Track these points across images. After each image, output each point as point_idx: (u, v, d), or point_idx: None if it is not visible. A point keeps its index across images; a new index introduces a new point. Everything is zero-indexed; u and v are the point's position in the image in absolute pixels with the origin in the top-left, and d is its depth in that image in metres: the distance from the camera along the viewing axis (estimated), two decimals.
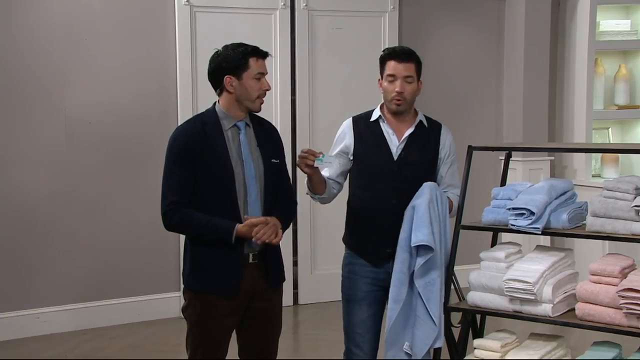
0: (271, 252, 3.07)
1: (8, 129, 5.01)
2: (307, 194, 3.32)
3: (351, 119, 3.33)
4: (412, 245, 3.06)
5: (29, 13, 5.02)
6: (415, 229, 3.06)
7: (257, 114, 3.10)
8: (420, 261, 3.08)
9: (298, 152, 5.47)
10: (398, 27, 5.92)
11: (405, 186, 3.18)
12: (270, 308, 3.11)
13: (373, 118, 3.28)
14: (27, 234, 5.07)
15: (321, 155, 3.06)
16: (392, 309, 3.10)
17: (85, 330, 5.18)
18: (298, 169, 3.23)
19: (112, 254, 5.31)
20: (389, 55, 3.21)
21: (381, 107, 3.30)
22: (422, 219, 3.05)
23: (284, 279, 3.19)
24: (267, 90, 3.03)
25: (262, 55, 3.01)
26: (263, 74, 3.00)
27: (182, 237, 5.38)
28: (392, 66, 3.18)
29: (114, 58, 5.26)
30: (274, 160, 3.09)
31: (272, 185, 3.06)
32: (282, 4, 5.58)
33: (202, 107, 5.34)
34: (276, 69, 5.55)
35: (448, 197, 3.27)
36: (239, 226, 2.90)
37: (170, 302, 5.44)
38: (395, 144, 3.23)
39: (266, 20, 5.57)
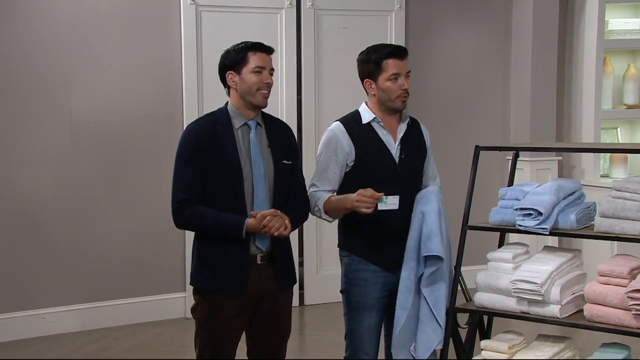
0: (281, 254, 3.05)
1: (13, 129, 5.01)
2: (322, 218, 3.17)
3: (340, 123, 3.22)
4: (423, 255, 3.06)
5: (34, 13, 5.02)
6: (425, 238, 3.06)
7: (272, 114, 3.09)
8: (428, 271, 3.08)
9: (303, 152, 5.54)
10: (404, 26, 5.90)
11: (408, 186, 3.17)
12: (279, 310, 3.09)
13: (365, 120, 3.20)
14: (32, 233, 5.07)
15: (384, 197, 2.98)
16: (399, 316, 3.11)
17: (91, 330, 5.18)
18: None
19: (118, 254, 5.30)
20: (388, 54, 3.16)
21: (370, 109, 3.23)
22: (432, 228, 3.06)
23: (294, 282, 3.17)
24: (268, 83, 2.98)
25: (263, 49, 3.00)
26: (263, 67, 2.97)
27: (188, 238, 5.41)
28: (394, 64, 3.15)
29: (119, 58, 5.25)
30: (285, 162, 3.05)
31: (282, 187, 3.03)
32: (288, 3, 5.56)
33: (208, 107, 5.33)
34: (282, 68, 5.53)
35: None
36: (249, 220, 2.87)
37: (175, 303, 5.43)
38: (393, 145, 3.20)
39: (272, 19, 5.55)
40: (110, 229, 5.27)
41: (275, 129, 3.09)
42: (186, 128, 3.08)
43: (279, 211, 2.91)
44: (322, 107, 5.69)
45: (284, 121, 2.94)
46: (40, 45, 5.04)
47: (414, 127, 3.29)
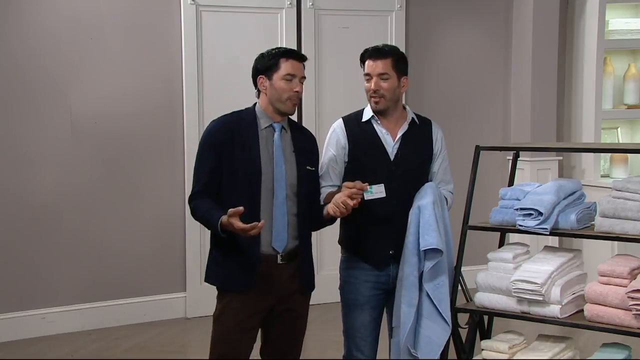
0: (302, 257, 3.06)
1: (14, 129, 5.00)
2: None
3: (342, 119, 3.27)
4: (422, 249, 3.05)
5: (36, 13, 5.01)
6: (423, 232, 3.04)
7: (298, 121, 3.09)
8: (429, 264, 3.06)
9: None
10: (405, 26, 5.90)
11: (403, 186, 3.16)
12: (297, 311, 3.11)
13: (365, 118, 3.23)
14: (33, 233, 5.07)
15: (369, 187, 2.98)
16: (407, 314, 3.07)
17: (91, 330, 5.18)
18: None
19: (118, 254, 5.30)
20: (363, 55, 3.20)
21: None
22: (430, 221, 3.04)
23: (313, 287, 3.17)
24: (297, 92, 2.98)
25: (295, 57, 3.00)
26: (294, 75, 2.97)
27: (188, 237, 5.42)
28: (366, 65, 3.18)
29: (119, 58, 5.25)
30: (309, 168, 3.07)
31: (305, 192, 3.04)
32: (289, 3, 5.56)
33: (208, 107, 5.35)
34: None
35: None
36: (223, 217, 2.84)
37: (175, 303, 5.43)
38: (390, 144, 3.20)
39: (272, 19, 5.55)
40: (111, 229, 5.27)
41: (300, 135, 3.11)
42: (211, 122, 3.07)
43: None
44: (322, 107, 5.69)
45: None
46: (41, 45, 5.04)
47: (421, 128, 3.28)
